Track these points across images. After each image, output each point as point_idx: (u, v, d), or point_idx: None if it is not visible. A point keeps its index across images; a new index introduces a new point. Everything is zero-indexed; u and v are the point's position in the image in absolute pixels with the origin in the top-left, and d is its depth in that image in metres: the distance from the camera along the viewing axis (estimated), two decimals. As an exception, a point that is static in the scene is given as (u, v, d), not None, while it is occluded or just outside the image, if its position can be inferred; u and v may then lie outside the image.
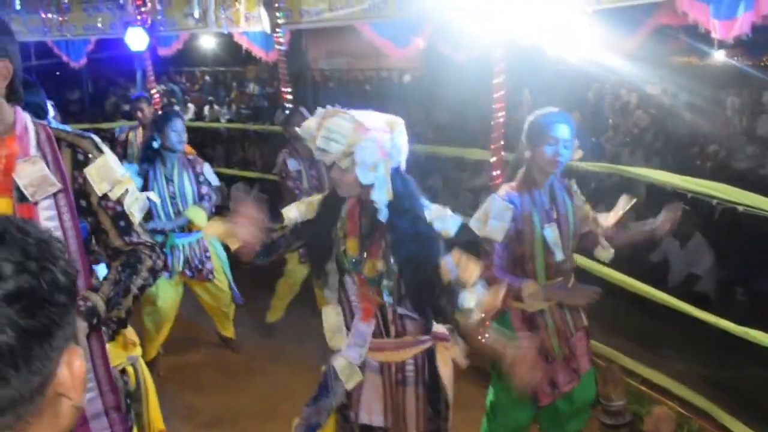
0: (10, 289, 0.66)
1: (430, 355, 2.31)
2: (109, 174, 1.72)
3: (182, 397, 3.98)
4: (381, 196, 2.09)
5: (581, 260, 3.52)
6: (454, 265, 2.18)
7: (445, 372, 2.32)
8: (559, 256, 2.73)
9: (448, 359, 2.35)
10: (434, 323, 2.34)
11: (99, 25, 6.37)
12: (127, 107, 13.09)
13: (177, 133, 3.99)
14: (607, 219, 2.97)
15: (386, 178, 2.09)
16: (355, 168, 2.05)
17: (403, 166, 2.21)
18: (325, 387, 2.35)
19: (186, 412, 3.89)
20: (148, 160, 4.05)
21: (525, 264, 2.76)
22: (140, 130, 5.48)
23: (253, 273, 5.11)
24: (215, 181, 4.31)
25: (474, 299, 2.14)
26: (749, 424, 3.31)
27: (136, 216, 1.79)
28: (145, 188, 3.92)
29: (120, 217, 1.75)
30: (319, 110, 2.16)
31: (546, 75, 13.16)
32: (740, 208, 3.18)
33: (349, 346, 2.27)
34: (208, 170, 4.26)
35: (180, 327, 4.47)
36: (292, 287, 4.83)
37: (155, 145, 4.02)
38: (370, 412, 2.29)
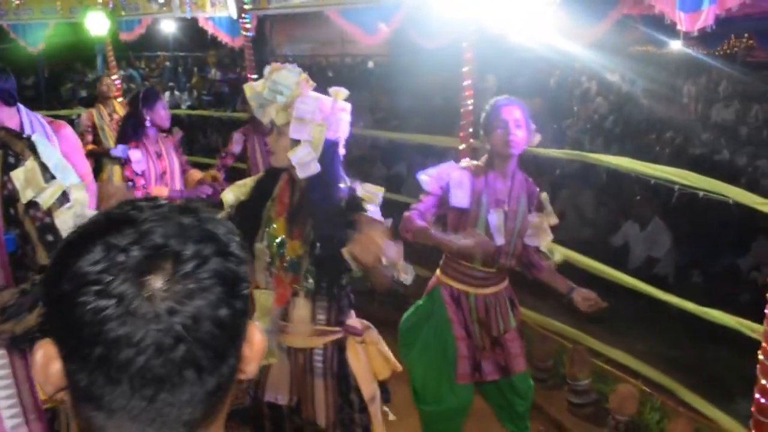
0: (215, 269, 0.66)
1: (340, 346, 2.27)
2: (36, 179, 1.54)
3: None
4: (304, 157, 2.07)
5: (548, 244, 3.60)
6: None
7: (356, 365, 2.27)
8: (499, 241, 2.76)
9: (361, 353, 2.29)
10: (350, 316, 2.32)
11: (58, 8, 6.20)
12: (84, 93, 12.82)
13: (166, 110, 3.99)
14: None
15: (318, 144, 2.08)
16: (290, 125, 2.06)
17: (341, 146, 2.20)
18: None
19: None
20: (136, 136, 3.96)
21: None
22: (103, 110, 5.41)
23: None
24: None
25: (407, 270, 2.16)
26: (709, 399, 3.45)
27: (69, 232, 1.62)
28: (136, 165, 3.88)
29: (47, 230, 1.56)
30: (267, 67, 2.14)
31: (509, 62, 13.31)
32: (701, 194, 3.28)
33: (269, 332, 2.23)
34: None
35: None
36: None
37: (147, 123, 3.95)
38: (276, 390, 2.27)
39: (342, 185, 2.21)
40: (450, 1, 3.86)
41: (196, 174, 4.34)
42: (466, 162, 2.93)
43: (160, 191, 3.92)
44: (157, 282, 0.62)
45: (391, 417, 2.42)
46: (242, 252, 0.71)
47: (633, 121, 10.74)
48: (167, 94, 13.52)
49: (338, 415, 2.27)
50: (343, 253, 2.06)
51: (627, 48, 13.41)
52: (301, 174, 2.10)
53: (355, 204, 2.19)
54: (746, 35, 13.72)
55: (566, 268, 3.98)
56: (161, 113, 3.95)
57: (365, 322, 2.37)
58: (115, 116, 5.46)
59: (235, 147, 4.63)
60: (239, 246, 0.71)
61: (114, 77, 6.55)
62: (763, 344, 2.71)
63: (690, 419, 3.38)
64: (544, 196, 2.94)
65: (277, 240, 2.19)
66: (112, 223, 0.66)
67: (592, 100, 12.29)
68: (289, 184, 2.22)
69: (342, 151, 2.23)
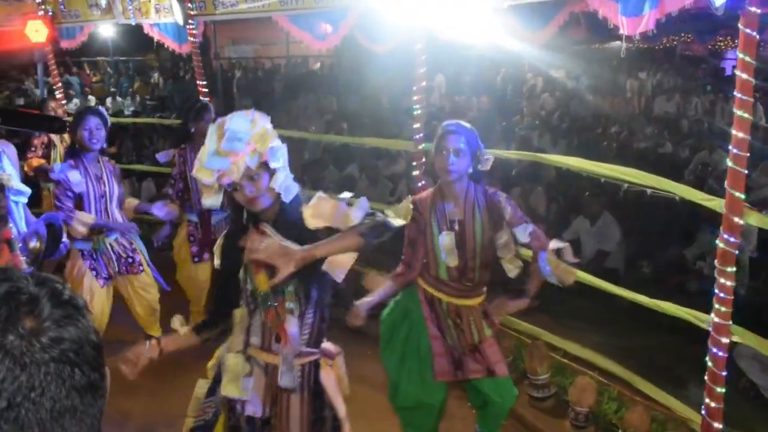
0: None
1: (316, 365, 2.36)
2: None
3: (114, 403, 3.83)
4: (285, 181, 2.13)
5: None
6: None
7: (329, 383, 2.37)
8: (451, 262, 2.88)
9: (331, 374, 2.40)
10: (324, 340, 2.40)
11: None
12: (21, 101, 12.37)
13: (89, 131, 3.86)
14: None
15: (283, 163, 2.15)
16: (264, 167, 2.08)
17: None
18: (217, 382, 2.40)
19: (119, 417, 3.79)
20: (75, 157, 3.91)
21: (430, 266, 2.95)
22: None
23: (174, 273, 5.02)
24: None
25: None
26: (662, 387, 3.58)
27: None
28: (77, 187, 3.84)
29: None
30: (211, 127, 2.12)
31: (456, 60, 13.45)
32: (648, 191, 3.39)
33: (283, 373, 2.26)
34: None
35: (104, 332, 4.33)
36: (201, 289, 4.70)
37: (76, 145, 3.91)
38: (254, 404, 2.33)
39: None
40: (398, 7, 3.88)
41: (132, 202, 4.32)
42: (423, 193, 3.05)
43: (87, 217, 3.86)
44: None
45: None
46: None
47: (579, 117, 10.97)
48: (108, 99, 13.18)
49: (312, 429, 2.34)
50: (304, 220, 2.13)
51: (571, 45, 13.69)
52: (287, 198, 2.14)
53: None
54: (684, 30, 14.17)
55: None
56: (84, 137, 3.83)
57: (337, 347, 2.46)
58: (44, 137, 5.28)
59: (179, 168, 4.49)
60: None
61: (58, 85, 6.37)
62: (712, 333, 2.84)
63: (646, 408, 3.50)
64: (502, 199, 2.95)
65: (264, 294, 2.23)
66: None
67: (538, 97, 12.51)
68: (257, 233, 2.19)
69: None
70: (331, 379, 2.39)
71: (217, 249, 2.39)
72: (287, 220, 2.18)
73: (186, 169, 4.39)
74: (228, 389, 2.30)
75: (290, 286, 2.20)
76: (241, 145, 2.02)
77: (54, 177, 3.89)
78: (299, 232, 2.13)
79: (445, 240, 2.86)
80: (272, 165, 2.10)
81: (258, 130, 2.07)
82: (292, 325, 2.23)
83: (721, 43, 16.04)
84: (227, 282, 2.35)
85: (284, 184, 2.13)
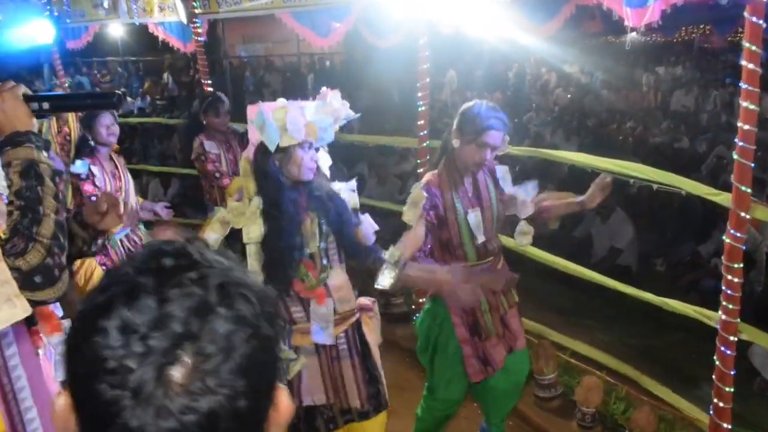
0: (240, 363, 0.62)
1: (358, 326, 2.45)
2: None
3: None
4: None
5: (510, 242, 3.61)
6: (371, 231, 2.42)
7: (371, 338, 2.48)
8: (480, 239, 2.81)
9: (373, 327, 2.51)
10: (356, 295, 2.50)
11: (0, 17, 6.00)
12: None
13: (106, 127, 3.89)
14: (536, 197, 3.01)
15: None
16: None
17: None
18: None
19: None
20: (90, 155, 3.91)
21: (454, 249, 2.83)
22: (54, 122, 5.26)
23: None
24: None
25: (396, 252, 2.35)
26: (671, 387, 3.50)
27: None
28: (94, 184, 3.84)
29: None
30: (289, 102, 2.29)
31: (467, 56, 13.37)
32: (655, 186, 3.32)
33: (316, 332, 2.34)
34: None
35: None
36: None
37: (92, 143, 3.91)
38: (313, 393, 2.38)
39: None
40: (401, 1, 3.83)
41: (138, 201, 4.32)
42: (428, 177, 2.87)
43: None
44: (175, 376, 0.59)
45: None
46: (272, 326, 0.67)
47: (593, 112, 10.84)
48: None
49: (368, 389, 2.43)
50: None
51: (584, 39, 13.54)
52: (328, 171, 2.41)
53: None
54: (703, 22, 13.96)
55: (530, 264, 4.02)
56: (102, 133, 3.86)
57: (370, 297, 2.58)
58: (65, 129, 5.30)
59: (214, 150, 4.54)
60: (270, 319, 0.67)
61: (65, 85, 6.40)
62: (720, 331, 2.75)
63: (654, 407, 3.42)
64: (499, 167, 2.94)
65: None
66: (129, 291, 0.62)
67: (552, 92, 12.38)
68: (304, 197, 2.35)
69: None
70: (372, 332, 2.50)
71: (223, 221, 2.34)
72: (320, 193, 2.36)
73: (204, 155, 4.44)
74: (293, 370, 2.37)
75: (322, 242, 2.34)
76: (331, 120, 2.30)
77: (76, 172, 3.90)
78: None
79: (474, 218, 2.79)
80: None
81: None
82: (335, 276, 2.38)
83: (742, 36, 15.68)
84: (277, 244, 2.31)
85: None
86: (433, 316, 2.99)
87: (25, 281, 1.31)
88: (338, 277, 2.40)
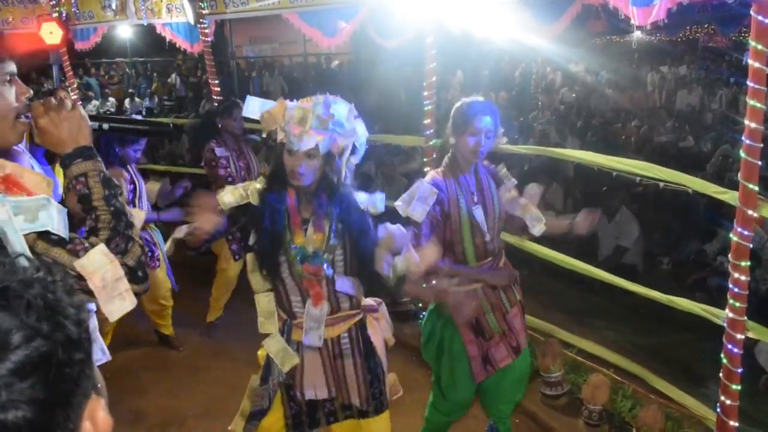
0: (20, 361, 0.59)
1: (362, 326, 2.45)
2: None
3: (127, 402, 3.89)
4: (340, 177, 2.28)
5: (518, 241, 3.63)
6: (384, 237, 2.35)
7: (377, 340, 2.46)
8: (487, 236, 2.83)
9: (378, 328, 2.49)
10: (363, 297, 2.49)
11: (10, 19, 6.06)
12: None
13: (134, 150, 4.01)
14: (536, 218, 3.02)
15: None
16: (323, 154, 2.20)
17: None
18: (268, 369, 2.44)
19: (132, 417, 3.81)
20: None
21: (454, 247, 2.84)
22: None
23: (191, 271, 5.05)
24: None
25: (404, 262, 2.29)
26: (678, 385, 3.51)
27: None
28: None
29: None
30: (295, 103, 2.28)
31: (474, 56, 13.37)
32: (661, 184, 3.33)
33: (307, 332, 2.36)
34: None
35: (117, 328, 4.36)
36: (228, 286, 4.79)
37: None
38: (314, 387, 2.41)
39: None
40: (408, 1, 3.85)
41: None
42: (432, 174, 2.91)
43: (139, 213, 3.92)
44: None
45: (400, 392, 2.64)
46: (66, 329, 0.64)
47: (598, 111, 10.84)
48: (127, 101, 13.32)
49: (369, 390, 2.44)
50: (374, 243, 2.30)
51: (589, 39, 13.54)
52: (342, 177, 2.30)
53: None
54: (707, 22, 13.93)
55: (537, 262, 4.03)
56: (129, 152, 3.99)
57: (376, 298, 2.55)
58: None
59: (219, 153, 4.56)
60: (59, 325, 0.64)
61: (73, 86, 6.44)
62: (727, 329, 2.76)
63: (661, 405, 3.43)
64: (500, 168, 2.95)
65: (300, 249, 2.31)
66: None
67: (557, 92, 12.39)
68: (297, 200, 2.32)
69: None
70: (378, 334, 2.48)
71: (237, 189, 2.39)
72: (313, 202, 2.29)
73: (214, 160, 4.49)
74: (266, 327, 2.42)
75: (328, 254, 2.30)
76: (339, 129, 2.21)
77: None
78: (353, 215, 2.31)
79: (479, 215, 2.81)
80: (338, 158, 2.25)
81: (352, 126, 2.25)
82: (340, 283, 2.36)
83: (745, 35, 15.73)
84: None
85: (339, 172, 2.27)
86: (437, 315, 3.01)
87: (132, 276, 1.44)
88: (344, 285, 2.38)
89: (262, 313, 2.43)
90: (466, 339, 2.91)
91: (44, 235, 1.37)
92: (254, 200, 2.35)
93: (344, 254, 2.34)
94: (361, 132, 2.31)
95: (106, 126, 1.71)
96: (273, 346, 2.41)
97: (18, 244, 1.31)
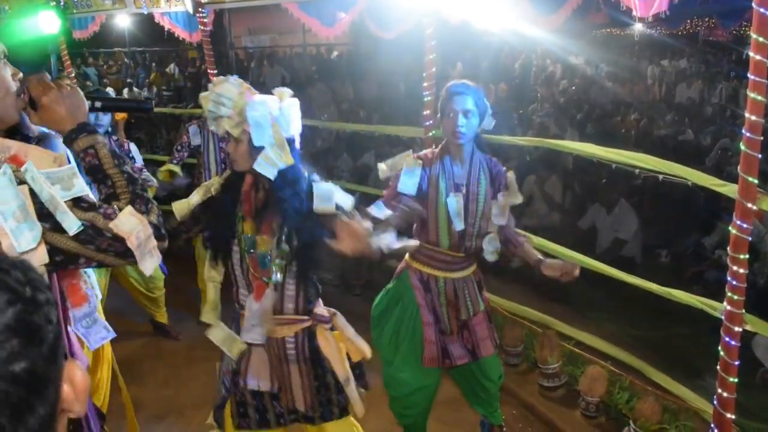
0: (12, 319, 0.65)
1: (310, 334, 2.39)
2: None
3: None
4: (269, 161, 2.15)
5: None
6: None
7: (328, 350, 2.40)
8: (459, 226, 2.80)
9: (330, 338, 2.42)
10: (318, 305, 2.43)
11: (6, 8, 6.01)
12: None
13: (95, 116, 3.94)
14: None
15: (281, 144, 2.17)
16: (246, 135, 2.14)
17: (296, 142, 2.26)
18: (223, 357, 2.46)
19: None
20: None
21: (429, 231, 2.84)
22: None
23: (187, 263, 5.04)
24: (140, 160, 4.38)
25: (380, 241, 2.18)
26: (675, 377, 3.52)
27: None
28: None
29: None
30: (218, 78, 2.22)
31: (473, 47, 13.32)
32: (660, 177, 3.32)
33: (247, 329, 2.35)
34: (134, 149, 4.34)
35: (111, 320, 4.35)
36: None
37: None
38: (258, 377, 2.39)
39: (312, 177, 2.28)
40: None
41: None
42: (424, 152, 2.93)
43: None
44: None
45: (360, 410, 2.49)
46: (42, 293, 0.69)
47: (598, 104, 10.82)
48: (125, 90, 13.27)
49: (316, 397, 2.41)
50: (327, 248, 2.14)
51: (589, 30, 13.50)
52: (270, 175, 2.17)
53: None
54: (708, 15, 13.90)
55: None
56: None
57: (332, 309, 2.48)
58: None
59: (194, 139, 4.56)
60: (36, 288, 0.69)
61: (71, 76, 6.39)
62: (724, 322, 2.76)
63: (658, 398, 3.44)
64: (510, 175, 2.92)
65: (249, 238, 2.28)
66: None
67: (557, 84, 12.36)
68: (253, 185, 2.29)
69: (297, 146, 2.28)
70: (330, 344, 2.41)
71: (207, 186, 2.39)
72: (279, 197, 2.20)
73: (202, 145, 4.49)
74: (207, 317, 2.42)
75: (279, 259, 2.24)
76: (225, 110, 2.12)
77: None
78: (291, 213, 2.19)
79: (454, 203, 2.78)
80: (257, 142, 2.14)
81: (242, 102, 2.13)
82: (267, 298, 2.30)
83: (746, 28, 15.70)
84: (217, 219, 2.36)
85: (265, 161, 2.15)
86: (396, 296, 3.01)
87: (157, 234, 1.53)
88: (268, 300, 2.32)
89: (209, 303, 2.45)
90: (425, 321, 2.92)
91: (77, 202, 1.43)
92: (215, 191, 2.35)
93: (291, 259, 2.27)
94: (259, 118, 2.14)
95: (98, 104, 1.76)
96: (217, 335, 2.40)
97: (68, 214, 1.38)
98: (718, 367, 2.80)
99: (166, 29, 5.71)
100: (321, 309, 2.44)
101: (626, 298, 4.43)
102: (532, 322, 4.27)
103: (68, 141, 1.60)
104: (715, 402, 2.84)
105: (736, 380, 2.75)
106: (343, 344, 2.46)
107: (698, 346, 4.04)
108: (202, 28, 5.32)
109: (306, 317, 2.38)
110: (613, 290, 4.41)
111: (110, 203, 1.50)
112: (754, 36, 2.44)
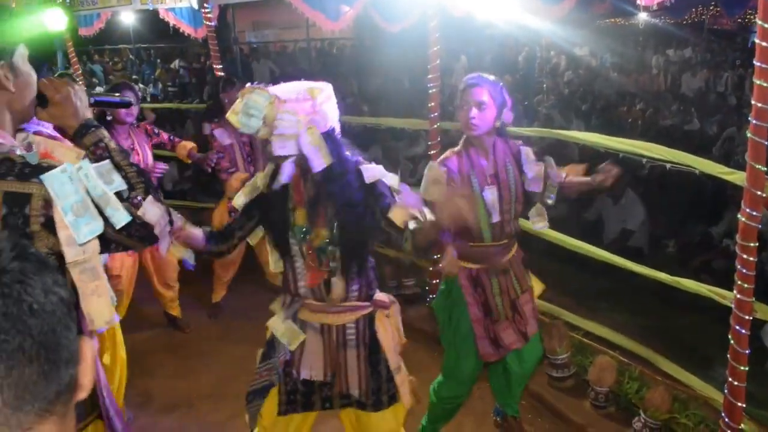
0: (37, 261, 0.70)
1: (370, 320, 2.42)
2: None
3: (136, 384, 3.90)
4: (316, 162, 2.16)
5: (526, 224, 3.63)
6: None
7: (384, 337, 2.42)
8: (495, 218, 2.84)
9: (387, 325, 2.45)
10: (377, 291, 2.46)
11: (13, 5, 6.02)
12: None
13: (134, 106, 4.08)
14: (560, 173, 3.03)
15: (317, 144, 2.15)
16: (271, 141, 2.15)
17: (337, 131, 2.25)
18: (272, 346, 2.44)
19: (140, 399, 3.85)
20: (108, 130, 4.03)
21: (469, 227, 2.83)
22: None
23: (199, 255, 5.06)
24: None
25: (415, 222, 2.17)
26: (684, 366, 3.52)
27: None
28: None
29: None
30: (246, 86, 2.20)
31: (477, 40, 13.29)
32: (668, 165, 3.31)
33: (287, 307, 2.40)
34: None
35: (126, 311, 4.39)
36: (226, 266, 4.79)
37: (108, 118, 4.05)
38: (311, 368, 2.40)
39: (362, 164, 2.28)
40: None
41: (187, 144, 4.54)
42: (447, 153, 2.93)
43: None
44: None
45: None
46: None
47: (603, 95, 10.79)
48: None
49: (369, 382, 2.41)
50: (370, 234, 2.24)
51: (594, 21, 13.44)
52: (317, 169, 2.18)
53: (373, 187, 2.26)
54: (713, 3, 13.81)
55: (544, 245, 4.03)
56: (120, 112, 3.99)
57: (391, 296, 2.52)
58: None
59: (222, 140, 4.54)
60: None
61: (78, 73, 6.43)
62: (734, 310, 2.76)
63: (668, 387, 3.44)
64: (527, 150, 2.95)
65: (303, 229, 2.29)
66: None
67: (562, 75, 12.32)
68: (301, 175, 2.27)
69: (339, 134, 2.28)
70: (387, 331, 2.44)
71: (251, 185, 2.42)
72: (330, 191, 2.22)
73: (232, 142, 4.51)
74: (294, 343, 2.39)
75: (332, 246, 2.27)
76: (256, 122, 2.12)
77: None
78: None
79: (489, 195, 2.81)
80: (277, 152, 2.16)
81: (272, 114, 2.12)
82: (336, 286, 2.32)
83: (751, 16, 15.61)
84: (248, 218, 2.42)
85: (309, 148, 2.15)
86: (447, 295, 3.04)
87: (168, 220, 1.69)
88: (338, 288, 2.35)
89: (288, 337, 2.41)
90: (474, 318, 2.95)
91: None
92: (264, 187, 2.35)
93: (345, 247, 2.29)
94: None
95: (91, 100, 1.82)
96: (279, 327, 2.41)
97: (119, 209, 1.53)
98: (728, 355, 2.80)
99: (171, 25, 5.72)
100: (381, 295, 2.47)
101: (634, 288, 4.44)
102: (540, 313, 4.26)
103: (78, 136, 1.66)
104: (725, 391, 2.85)
105: (746, 369, 2.76)
106: (396, 332, 2.50)
107: (706, 335, 4.04)
108: (207, 23, 5.33)
109: (368, 303, 2.41)
110: (621, 280, 4.41)
111: (129, 193, 1.58)
112: (759, 23, 2.44)
